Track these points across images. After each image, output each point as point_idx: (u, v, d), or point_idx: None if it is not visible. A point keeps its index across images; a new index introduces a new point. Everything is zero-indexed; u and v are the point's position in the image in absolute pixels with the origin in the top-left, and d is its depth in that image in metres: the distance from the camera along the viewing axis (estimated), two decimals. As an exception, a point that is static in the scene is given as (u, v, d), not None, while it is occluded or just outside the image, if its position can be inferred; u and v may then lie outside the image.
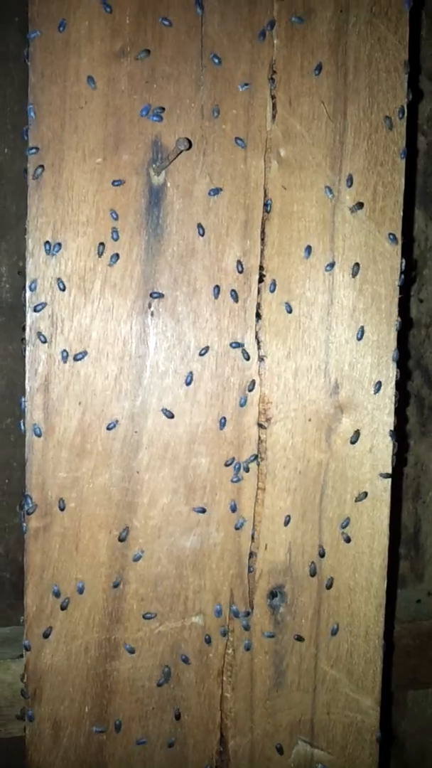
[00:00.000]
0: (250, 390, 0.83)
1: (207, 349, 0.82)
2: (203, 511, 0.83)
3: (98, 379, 0.80)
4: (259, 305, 0.85)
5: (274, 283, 0.84)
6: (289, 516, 0.84)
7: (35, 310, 0.78)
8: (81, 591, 0.81)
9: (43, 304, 0.78)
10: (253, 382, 0.83)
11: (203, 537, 0.82)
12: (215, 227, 0.83)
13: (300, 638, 0.86)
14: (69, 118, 0.79)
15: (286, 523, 0.85)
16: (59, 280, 0.78)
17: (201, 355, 0.82)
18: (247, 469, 0.83)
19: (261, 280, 0.85)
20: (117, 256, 0.81)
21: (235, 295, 0.82)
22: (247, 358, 0.83)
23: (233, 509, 0.83)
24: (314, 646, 0.86)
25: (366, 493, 0.86)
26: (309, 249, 0.84)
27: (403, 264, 0.85)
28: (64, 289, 0.78)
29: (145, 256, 0.83)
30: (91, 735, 0.83)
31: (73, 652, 0.81)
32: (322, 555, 0.85)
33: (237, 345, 0.83)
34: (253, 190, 0.84)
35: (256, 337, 0.83)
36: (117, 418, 0.80)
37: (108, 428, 0.80)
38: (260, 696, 0.86)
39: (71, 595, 0.80)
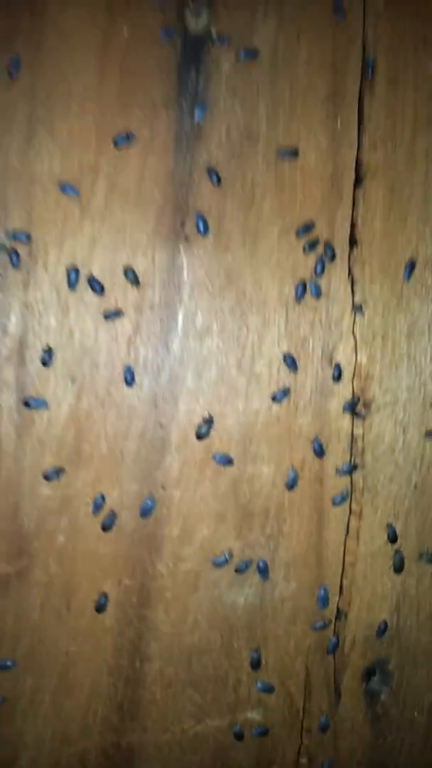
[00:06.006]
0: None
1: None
2: (267, 543, 0.58)
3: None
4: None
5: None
6: (398, 553, 0.60)
7: None
8: (68, 669, 0.56)
9: None
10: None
11: (263, 588, 0.58)
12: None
13: (412, 742, 0.61)
14: None
15: (398, 567, 0.59)
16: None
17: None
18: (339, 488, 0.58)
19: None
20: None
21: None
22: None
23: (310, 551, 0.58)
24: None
25: None
26: None
27: None
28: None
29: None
30: None
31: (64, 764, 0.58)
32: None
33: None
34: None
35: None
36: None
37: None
38: None
39: (56, 671, 0.57)
